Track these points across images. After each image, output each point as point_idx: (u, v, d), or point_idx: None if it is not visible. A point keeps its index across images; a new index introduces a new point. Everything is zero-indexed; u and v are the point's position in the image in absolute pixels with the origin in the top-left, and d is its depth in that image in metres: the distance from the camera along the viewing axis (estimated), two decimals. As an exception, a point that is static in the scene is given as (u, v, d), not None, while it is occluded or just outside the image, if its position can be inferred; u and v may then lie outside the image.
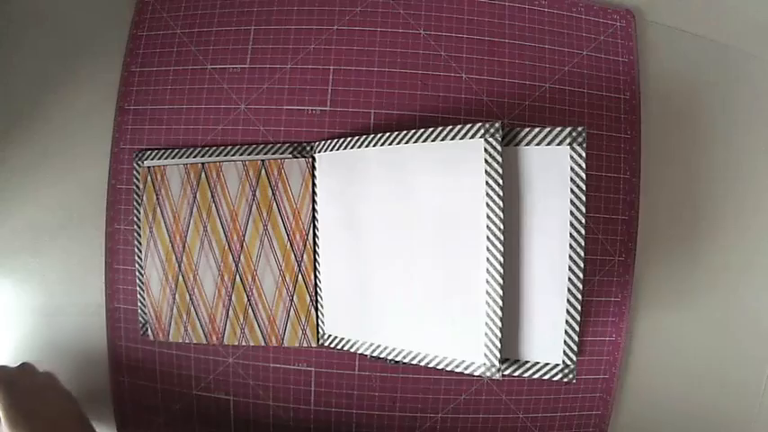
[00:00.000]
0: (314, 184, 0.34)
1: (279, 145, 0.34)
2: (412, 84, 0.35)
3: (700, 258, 0.36)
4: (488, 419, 0.34)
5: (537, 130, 0.30)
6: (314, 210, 0.34)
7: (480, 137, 0.29)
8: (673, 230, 0.36)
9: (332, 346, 0.34)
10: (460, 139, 0.30)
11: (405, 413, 0.34)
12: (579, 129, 0.29)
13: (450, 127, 0.30)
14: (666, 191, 0.36)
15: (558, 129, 0.29)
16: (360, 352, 0.33)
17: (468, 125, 0.30)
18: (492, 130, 0.29)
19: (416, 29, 0.36)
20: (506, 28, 0.36)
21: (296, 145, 0.34)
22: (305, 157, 0.34)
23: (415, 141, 0.31)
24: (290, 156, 0.34)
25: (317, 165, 0.34)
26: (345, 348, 0.33)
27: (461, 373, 0.34)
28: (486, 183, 0.29)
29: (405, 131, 0.31)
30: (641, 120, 0.36)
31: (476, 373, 0.30)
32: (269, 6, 0.36)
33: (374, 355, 0.33)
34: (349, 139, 0.33)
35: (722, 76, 0.37)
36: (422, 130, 0.31)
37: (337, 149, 0.33)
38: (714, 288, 0.36)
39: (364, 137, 0.33)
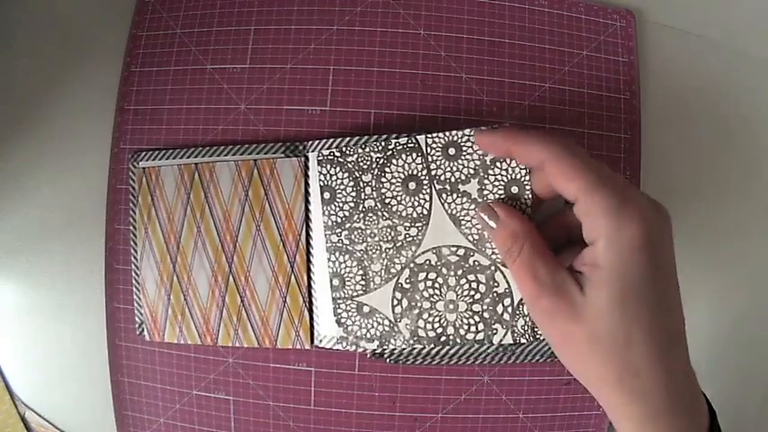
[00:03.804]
0: (307, 184, 0.34)
1: (271, 144, 0.34)
2: (412, 84, 0.35)
3: (700, 258, 0.36)
4: (488, 419, 0.34)
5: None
6: (307, 210, 0.34)
7: None
8: (672, 230, 0.36)
9: (327, 347, 0.34)
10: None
11: (405, 413, 0.34)
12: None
13: (448, 133, 0.30)
14: (666, 191, 0.36)
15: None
16: (358, 351, 0.33)
17: (459, 132, 0.30)
18: None
19: (416, 29, 0.36)
20: (506, 28, 0.36)
21: (288, 144, 0.34)
22: (297, 156, 0.34)
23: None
24: (283, 155, 0.34)
25: (309, 164, 0.34)
26: (340, 349, 0.33)
27: (461, 373, 0.34)
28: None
29: (400, 135, 0.31)
30: (641, 120, 0.36)
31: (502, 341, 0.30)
32: (269, 6, 0.36)
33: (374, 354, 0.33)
34: (340, 139, 0.33)
35: (722, 76, 0.37)
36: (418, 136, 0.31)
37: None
38: (714, 288, 0.37)
39: (357, 137, 0.33)
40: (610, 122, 0.35)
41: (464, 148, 0.30)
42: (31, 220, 0.37)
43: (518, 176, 0.29)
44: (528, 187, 0.29)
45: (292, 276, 0.34)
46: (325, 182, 0.32)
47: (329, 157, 0.32)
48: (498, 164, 0.29)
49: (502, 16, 0.36)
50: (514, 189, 0.29)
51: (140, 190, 0.35)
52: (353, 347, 0.32)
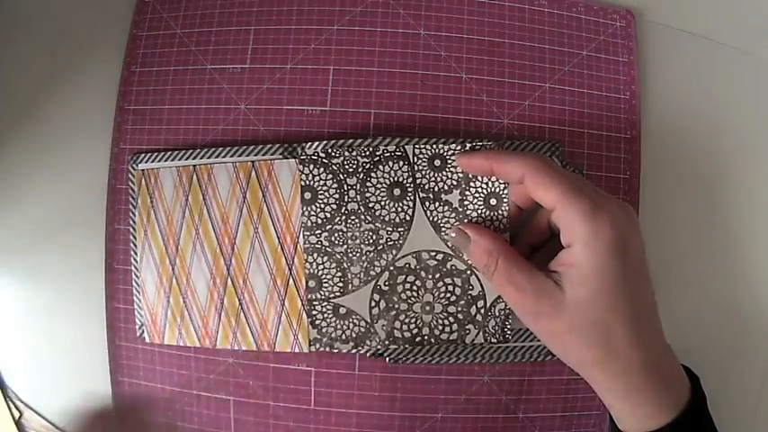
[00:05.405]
0: None
1: (269, 146, 0.34)
2: (412, 84, 0.35)
3: (698, 252, 0.36)
4: (488, 419, 0.34)
5: (517, 143, 0.34)
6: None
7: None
8: (673, 232, 0.36)
9: (325, 350, 0.34)
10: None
11: (405, 413, 0.34)
12: (557, 144, 0.34)
13: (435, 145, 0.30)
14: (666, 191, 0.36)
15: (543, 142, 0.34)
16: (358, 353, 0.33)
17: (445, 146, 0.30)
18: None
19: (416, 29, 0.36)
20: (506, 28, 0.36)
21: (286, 146, 0.34)
22: (295, 158, 0.33)
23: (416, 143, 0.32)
24: (281, 156, 0.34)
25: None
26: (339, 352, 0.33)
27: (461, 373, 0.34)
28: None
29: (389, 143, 0.31)
30: (641, 120, 0.36)
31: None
32: (269, 6, 0.36)
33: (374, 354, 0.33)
34: (334, 141, 0.33)
35: (722, 76, 0.37)
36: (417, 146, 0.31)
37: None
38: (715, 289, 0.37)
39: (342, 140, 0.32)
40: (609, 123, 0.35)
41: (449, 161, 0.31)
42: (31, 219, 0.37)
43: (497, 190, 0.31)
44: (506, 200, 0.30)
45: (290, 279, 0.34)
46: (307, 182, 0.32)
47: (313, 158, 0.32)
48: (480, 177, 0.31)
49: (502, 16, 0.36)
50: (493, 201, 0.31)
51: (139, 192, 0.35)
52: (327, 349, 0.33)
